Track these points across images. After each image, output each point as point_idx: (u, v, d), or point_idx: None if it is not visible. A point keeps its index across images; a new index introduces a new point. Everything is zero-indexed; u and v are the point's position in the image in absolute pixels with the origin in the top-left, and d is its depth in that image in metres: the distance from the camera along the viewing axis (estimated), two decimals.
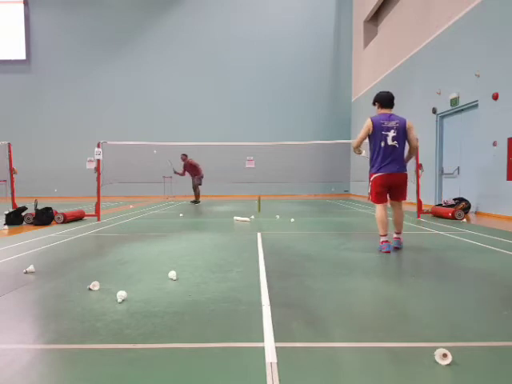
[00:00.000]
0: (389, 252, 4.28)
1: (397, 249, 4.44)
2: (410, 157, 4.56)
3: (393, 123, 4.30)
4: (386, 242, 4.34)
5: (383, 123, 4.31)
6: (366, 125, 4.37)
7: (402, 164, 4.37)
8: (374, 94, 4.62)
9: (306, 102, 18.81)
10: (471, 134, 9.22)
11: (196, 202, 13.19)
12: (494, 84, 8.15)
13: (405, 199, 4.52)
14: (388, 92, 4.54)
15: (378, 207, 4.43)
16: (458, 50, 9.52)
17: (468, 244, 4.89)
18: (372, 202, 4.52)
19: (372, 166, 4.42)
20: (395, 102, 4.51)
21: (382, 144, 4.30)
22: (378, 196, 4.39)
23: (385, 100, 4.44)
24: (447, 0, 10.10)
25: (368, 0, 16.08)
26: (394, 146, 4.30)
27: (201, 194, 13.37)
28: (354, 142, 4.53)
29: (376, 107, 4.55)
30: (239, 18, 18.77)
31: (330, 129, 18.44)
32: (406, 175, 4.43)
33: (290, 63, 18.73)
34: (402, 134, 4.32)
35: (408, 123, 4.37)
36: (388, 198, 4.51)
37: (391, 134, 4.28)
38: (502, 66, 7.95)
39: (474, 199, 8.76)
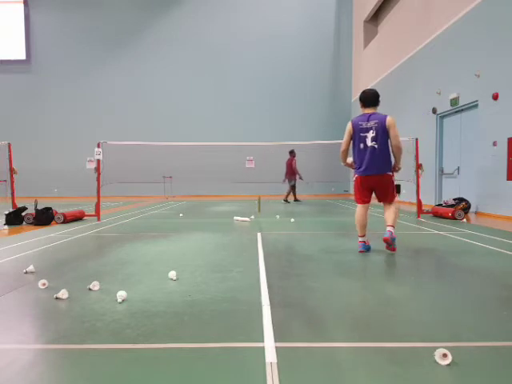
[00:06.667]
0: (363, 252, 4.28)
1: (386, 240, 4.18)
2: (396, 159, 4.32)
3: (372, 123, 4.17)
4: (362, 242, 4.34)
5: (361, 124, 4.23)
6: (347, 128, 4.33)
7: (382, 165, 4.21)
8: None
9: (305, 102, 18.81)
10: (471, 133, 9.22)
11: (287, 201, 13.44)
12: (494, 84, 8.15)
13: (391, 201, 4.32)
14: (371, 89, 4.39)
15: (358, 207, 4.43)
16: (458, 50, 9.52)
17: (468, 244, 4.89)
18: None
19: (355, 168, 4.39)
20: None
21: (361, 146, 4.23)
22: (358, 196, 4.41)
23: (365, 99, 4.30)
24: (447, 0, 10.10)
25: (368, 0, 16.08)
26: (373, 147, 4.18)
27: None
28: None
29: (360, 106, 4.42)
30: (239, 18, 18.76)
31: (330, 129, 18.42)
32: (388, 176, 4.26)
33: (290, 63, 18.72)
34: (382, 133, 4.15)
35: (388, 121, 4.14)
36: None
37: (370, 134, 4.17)
38: (502, 66, 7.95)
39: (474, 199, 8.76)
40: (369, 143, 4.19)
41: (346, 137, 4.37)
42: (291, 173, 13.21)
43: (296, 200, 13.53)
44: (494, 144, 8.16)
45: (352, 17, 18.69)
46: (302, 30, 18.69)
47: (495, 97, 8.13)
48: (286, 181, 13.38)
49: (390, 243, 4.23)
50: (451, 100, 9.77)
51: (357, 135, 4.26)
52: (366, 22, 16.90)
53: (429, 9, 11.04)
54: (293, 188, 13.46)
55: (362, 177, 4.30)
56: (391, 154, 4.29)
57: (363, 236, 4.37)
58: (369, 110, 4.29)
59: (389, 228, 4.24)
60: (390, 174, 4.30)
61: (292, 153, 13.30)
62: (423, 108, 11.18)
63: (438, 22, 10.46)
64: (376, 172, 4.23)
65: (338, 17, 18.89)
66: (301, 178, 13.24)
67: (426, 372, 1.67)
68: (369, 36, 16.78)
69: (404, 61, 12.73)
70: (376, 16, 16.47)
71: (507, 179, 7.74)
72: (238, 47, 18.75)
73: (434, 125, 10.73)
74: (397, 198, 4.43)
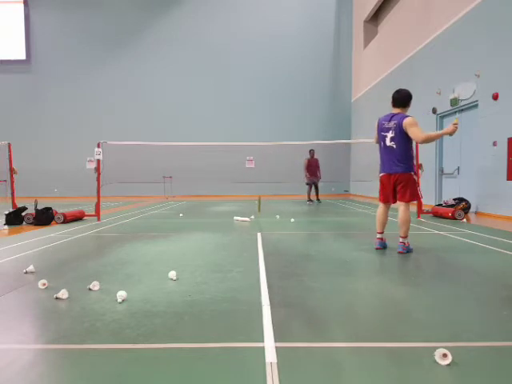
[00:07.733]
0: (379, 248, 4.42)
1: (400, 253, 4.22)
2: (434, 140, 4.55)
3: (391, 124, 4.26)
4: (378, 238, 4.47)
5: (383, 124, 4.36)
6: (375, 125, 4.53)
7: (400, 165, 4.22)
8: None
9: (306, 102, 18.80)
10: (471, 133, 9.22)
11: (318, 200, 13.64)
12: (494, 84, 8.15)
13: (406, 200, 4.26)
14: (404, 89, 4.41)
15: (379, 206, 4.58)
16: (457, 50, 9.52)
17: (468, 244, 4.89)
18: None
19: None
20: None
21: (382, 144, 4.39)
22: (380, 195, 4.53)
23: (395, 99, 4.39)
24: (447, 0, 10.10)
25: (368, 0, 16.08)
26: (391, 147, 4.26)
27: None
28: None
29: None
30: (239, 18, 18.75)
31: (330, 129, 18.42)
32: (407, 175, 4.23)
33: (290, 63, 18.71)
34: (400, 134, 4.19)
35: (405, 122, 4.15)
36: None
37: (389, 134, 4.28)
38: (501, 66, 7.94)
39: (474, 199, 8.75)
40: (388, 143, 4.31)
41: (375, 133, 4.59)
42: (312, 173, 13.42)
43: (309, 200, 13.52)
44: (494, 144, 8.15)
45: (352, 17, 18.68)
46: (302, 30, 18.68)
47: (495, 97, 8.13)
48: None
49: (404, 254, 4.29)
50: (451, 100, 9.76)
51: (379, 134, 4.41)
52: (366, 21, 16.89)
53: (429, 9, 11.04)
54: (309, 187, 13.56)
55: (383, 176, 4.43)
56: (412, 154, 4.38)
57: (381, 233, 4.48)
58: (395, 110, 4.39)
59: (400, 240, 4.34)
60: (411, 173, 4.29)
61: (309, 153, 13.34)
62: (423, 108, 11.17)
63: (438, 21, 10.46)
64: (394, 171, 4.29)
65: (338, 17, 18.88)
66: (305, 178, 13.37)
67: (426, 372, 1.67)
68: (369, 36, 16.77)
69: (404, 61, 12.72)
70: (376, 16, 16.46)
71: (507, 179, 7.74)
72: (238, 47, 18.74)
73: (434, 125, 10.72)
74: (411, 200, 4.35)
